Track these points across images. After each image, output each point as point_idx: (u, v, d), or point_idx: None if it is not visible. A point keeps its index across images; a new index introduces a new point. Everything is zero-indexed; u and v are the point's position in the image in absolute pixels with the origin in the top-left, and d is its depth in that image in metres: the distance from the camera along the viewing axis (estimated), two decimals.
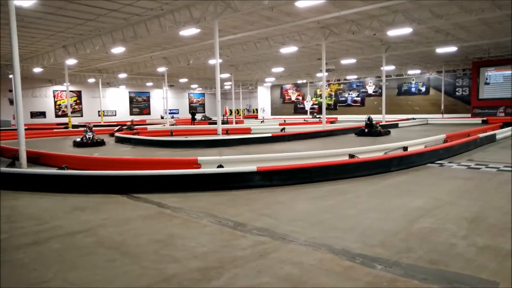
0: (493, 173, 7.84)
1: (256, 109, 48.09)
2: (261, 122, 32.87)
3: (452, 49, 21.28)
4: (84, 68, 28.29)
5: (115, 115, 40.97)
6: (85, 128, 15.78)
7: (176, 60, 25.49)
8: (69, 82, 25.25)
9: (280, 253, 3.79)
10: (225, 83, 39.26)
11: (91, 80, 34.09)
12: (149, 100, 45.12)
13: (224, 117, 32.47)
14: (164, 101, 31.31)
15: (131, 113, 42.71)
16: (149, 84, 40.05)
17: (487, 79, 28.33)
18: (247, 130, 21.13)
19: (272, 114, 45.61)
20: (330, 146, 13.26)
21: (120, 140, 16.82)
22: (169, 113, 33.38)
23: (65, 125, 24.93)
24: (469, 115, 28.88)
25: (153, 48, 21.31)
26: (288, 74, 36.22)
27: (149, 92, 44.76)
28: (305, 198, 6.13)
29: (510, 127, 16.73)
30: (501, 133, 14.94)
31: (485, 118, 25.45)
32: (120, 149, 14.41)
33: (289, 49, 19.93)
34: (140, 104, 44.43)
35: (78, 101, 38.70)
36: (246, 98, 49.14)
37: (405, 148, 9.86)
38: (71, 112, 30.63)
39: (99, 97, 34.50)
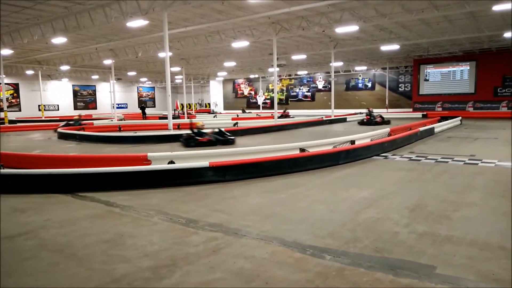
0: (431, 164, 8.39)
1: (209, 104, 47.65)
2: (214, 116, 32.65)
3: (395, 47, 22.42)
4: (22, 59, 26.34)
5: (58, 109, 38.66)
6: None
7: (124, 53, 24.51)
8: (5, 74, 23.40)
9: (233, 248, 3.80)
10: (176, 77, 38.44)
11: (30, 72, 31.81)
12: (95, 94, 43.05)
13: (176, 112, 31.85)
14: (111, 95, 30.04)
15: (76, 108, 40.54)
16: (95, 77, 38.20)
17: (426, 76, 30.20)
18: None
19: (225, 109, 45.45)
20: (282, 140, 13.48)
21: (63, 136, 15.90)
22: (117, 108, 32.10)
23: (1, 121, 23.11)
24: (411, 109, 30.66)
25: (99, 39, 20.32)
26: (240, 69, 36.21)
27: (95, 86, 42.70)
28: (258, 192, 6.19)
29: (446, 121, 18.04)
30: (439, 126, 16.03)
31: (425, 113, 27.17)
32: (64, 146, 13.63)
33: (240, 44, 19.90)
34: (85, 98, 42.28)
35: (15, 94, 35.97)
36: (198, 92, 48.53)
37: (352, 142, 10.27)
38: (8, 107, 28.52)
39: (39, 91, 32.30)
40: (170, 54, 15.37)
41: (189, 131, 12.94)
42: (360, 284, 2.99)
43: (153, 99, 50.28)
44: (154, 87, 49.85)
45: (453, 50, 26.52)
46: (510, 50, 25.38)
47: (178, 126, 18.46)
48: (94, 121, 24.27)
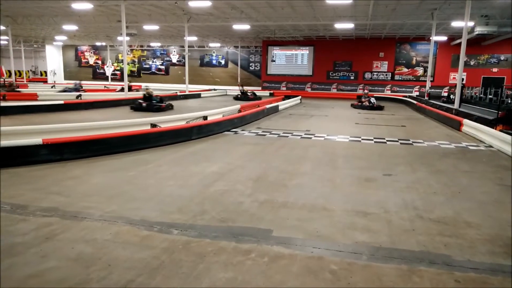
0: (274, 139, 9.22)
1: (45, 72, 41.47)
2: (52, 87, 28.73)
3: (246, 26, 23.41)
4: None
5: None
6: None
7: None
8: None
9: (71, 232, 3.47)
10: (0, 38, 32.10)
11: None
12: None
13: (1, 80, 26.80)
14: None
15: None
16: None
17: (273, 57, 32.66)
18: (33, 96, 18.10)
19: (66, 79, 40.24)
20: (132, 115, 12.83)
21: None
22: None
23: None
24: (260, 88, 32.86)
25: None
26: (85, 35, 32.45)
27: None
28: (103, 171, 5.76)
29: (289, 99, 19.99)
30: (283, 104, 17.66)
31: (272, 91, 29.50)
32: None
33: (82, 5, 17.76)
34: None
35: None
36: (31, 58, 41.62)
37: (205, 117, 10.45)
38: None
39: None
40: None
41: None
42: (205, 254, 3.11)
43: None
44: None
45: (295, 34, 29.19)
46: (339, 39, 29.45)
47: (3, 97, 15.63)
48: None
